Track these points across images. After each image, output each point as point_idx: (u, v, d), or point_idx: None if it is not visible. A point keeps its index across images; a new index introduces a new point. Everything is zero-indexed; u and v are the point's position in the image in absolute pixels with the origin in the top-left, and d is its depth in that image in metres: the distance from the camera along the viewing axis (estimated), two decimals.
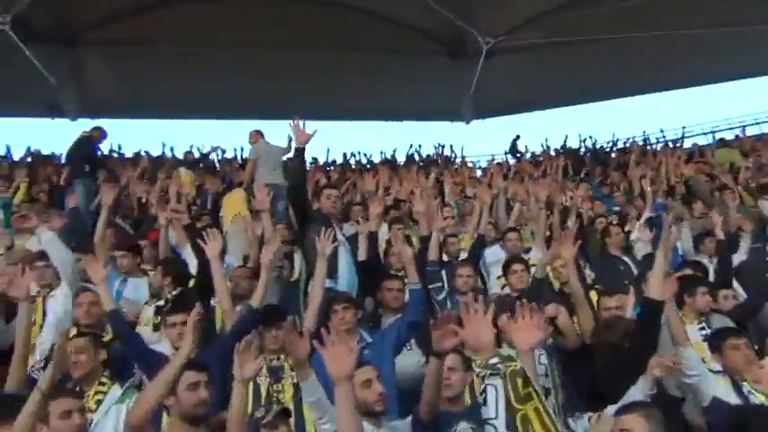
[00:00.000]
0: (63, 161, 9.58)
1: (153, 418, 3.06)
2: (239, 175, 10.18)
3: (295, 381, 3.95)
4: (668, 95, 19.41)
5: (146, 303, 4.98)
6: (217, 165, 12.78)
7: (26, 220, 6.27)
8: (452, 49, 15.87)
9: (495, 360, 2.69)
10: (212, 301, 5.05)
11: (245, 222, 6.51)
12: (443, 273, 5.31)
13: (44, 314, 4.61)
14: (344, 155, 14.43)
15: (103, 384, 3.67)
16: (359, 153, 14.60)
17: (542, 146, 14.99)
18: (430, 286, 4.94)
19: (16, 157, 13.05)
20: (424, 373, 4.47)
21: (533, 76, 16.14)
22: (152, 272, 5.52)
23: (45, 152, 13.83)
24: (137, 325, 4.78)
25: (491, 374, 2.87)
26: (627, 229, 7.17)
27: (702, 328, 4.39)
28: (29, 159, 12.73)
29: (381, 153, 14.75)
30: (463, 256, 6.19)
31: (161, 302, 4.80)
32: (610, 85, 17.13)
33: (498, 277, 5.70)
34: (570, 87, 16.96)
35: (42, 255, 4.98)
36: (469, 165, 14.59)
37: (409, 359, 4.42)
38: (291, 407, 3.46)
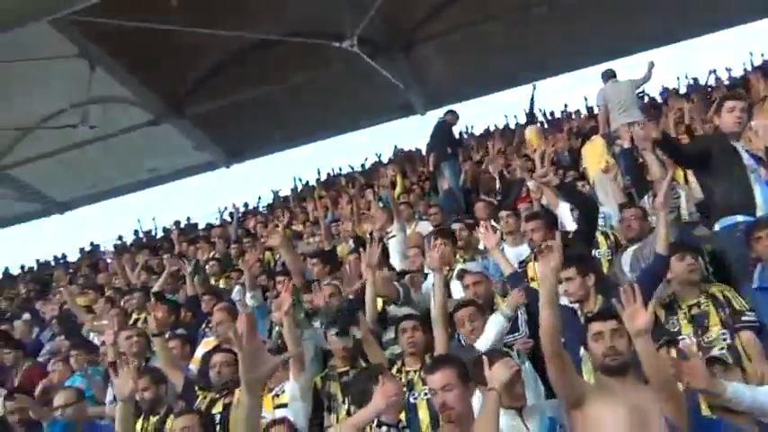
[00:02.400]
0: (426, 150, 10.41)
1: None
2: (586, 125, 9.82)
3: None
4: None
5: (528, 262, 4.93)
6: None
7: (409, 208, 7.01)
8: None
9: None
10: (595, 252, 4.86)
11: (614, 169, 6.15)
12: None
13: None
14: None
15: None
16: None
17: None
18: None
19: (385, 159, 14.91)
20: None
21: None
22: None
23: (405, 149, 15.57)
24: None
25: None
26: None
27: None
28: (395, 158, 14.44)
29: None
30: None
31: None
32: None
33: None
34: None
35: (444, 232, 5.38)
36: None
37: None
38: None
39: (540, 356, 3.75)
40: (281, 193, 14.80)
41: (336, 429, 3.48)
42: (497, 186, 8.40)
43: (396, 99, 15.41)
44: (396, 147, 15.45)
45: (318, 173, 15.21)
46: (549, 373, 2.79)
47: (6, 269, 16.95)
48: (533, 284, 4.63)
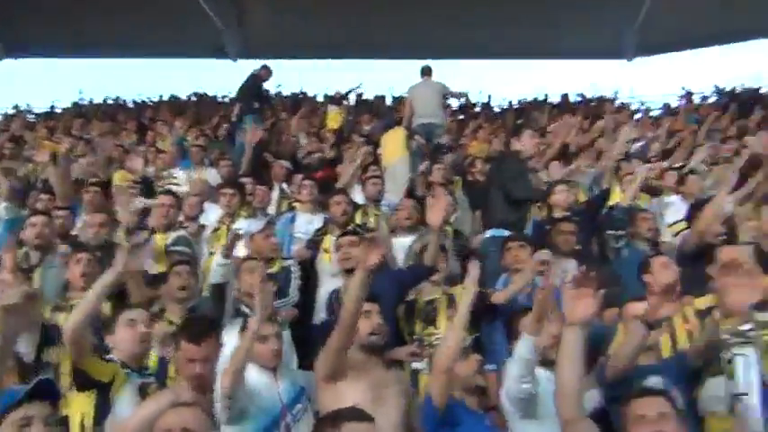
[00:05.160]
0: (234, 99, 10.00)
1: None
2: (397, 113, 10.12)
3: None
4: None
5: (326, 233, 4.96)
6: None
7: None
8: None
9: (747, 327, 2.31)
10: None
11: None
12: None
13: None
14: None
15: None
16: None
17: None
18: None
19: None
20: None
21: None
22: None
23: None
24: None
25: (742, 343, 2.47)
26: None
27: None
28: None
29: None
30: None
31: None
32: None
33: None
34: None
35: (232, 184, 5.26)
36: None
37: None
38: None
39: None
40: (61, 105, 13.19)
41: None
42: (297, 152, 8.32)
43: (210, 38, 14.62)
44: (196, 92, 14.48)
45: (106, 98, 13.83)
46: None
47: None
48: (326, 256, 4.62)
